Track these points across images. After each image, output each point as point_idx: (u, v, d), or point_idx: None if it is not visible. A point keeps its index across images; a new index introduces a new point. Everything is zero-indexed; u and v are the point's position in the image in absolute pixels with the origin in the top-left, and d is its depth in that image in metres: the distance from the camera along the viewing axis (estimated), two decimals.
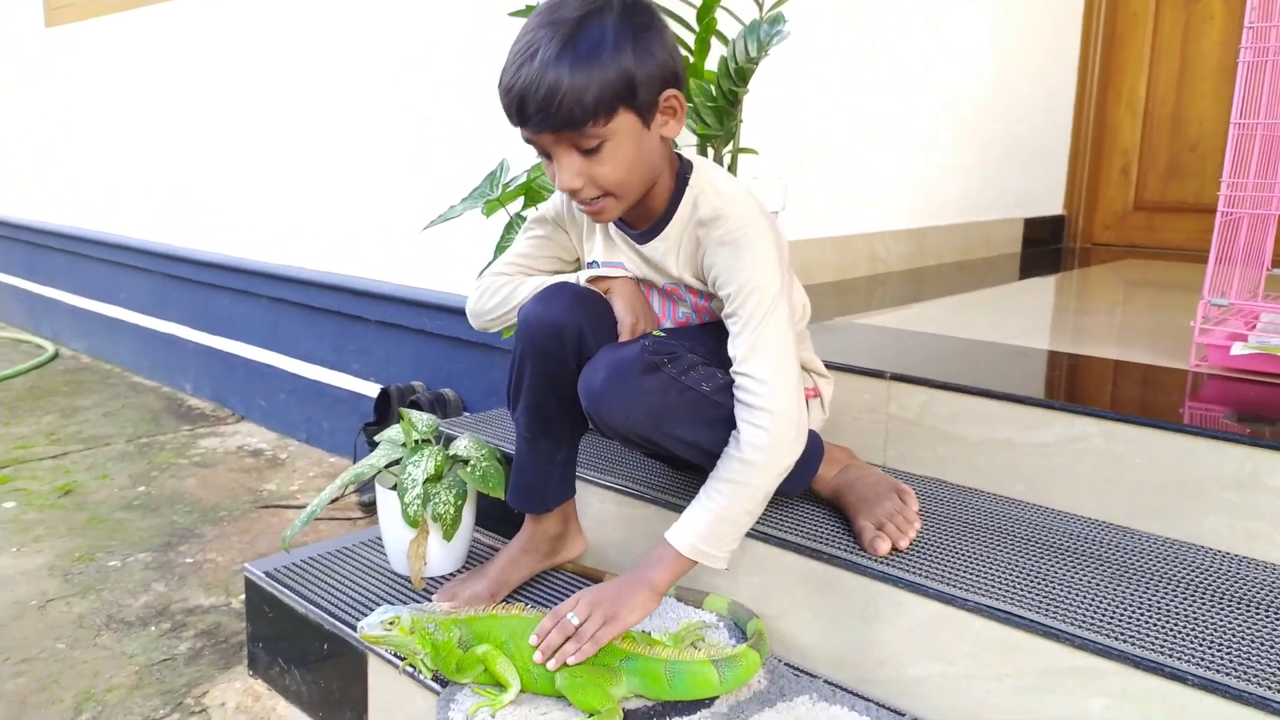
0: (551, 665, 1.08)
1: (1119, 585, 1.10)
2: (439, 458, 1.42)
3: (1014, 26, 3.06)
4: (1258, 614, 1.04)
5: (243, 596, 1.58)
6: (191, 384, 3.27)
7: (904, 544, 1.19)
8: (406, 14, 2.27)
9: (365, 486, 2.19)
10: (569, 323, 1.21)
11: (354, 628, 1.28)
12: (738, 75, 1.64)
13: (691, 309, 1.28)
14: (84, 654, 1.61)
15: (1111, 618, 1.02)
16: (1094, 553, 1.19)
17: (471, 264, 1.99)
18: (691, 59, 1.71)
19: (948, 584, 1.10)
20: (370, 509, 2.17)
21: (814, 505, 1.35)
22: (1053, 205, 3.43)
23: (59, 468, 2.52)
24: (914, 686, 1.11)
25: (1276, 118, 1.54)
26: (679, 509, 1.33)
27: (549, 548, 1.40)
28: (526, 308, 1.25)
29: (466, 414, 2.21)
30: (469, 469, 1.42)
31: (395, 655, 1.20)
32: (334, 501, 1.88)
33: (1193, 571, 1.14)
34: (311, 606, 1.37)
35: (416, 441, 1.45)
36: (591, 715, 1.06)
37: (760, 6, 1.79)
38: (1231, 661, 0.94)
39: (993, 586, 1.09)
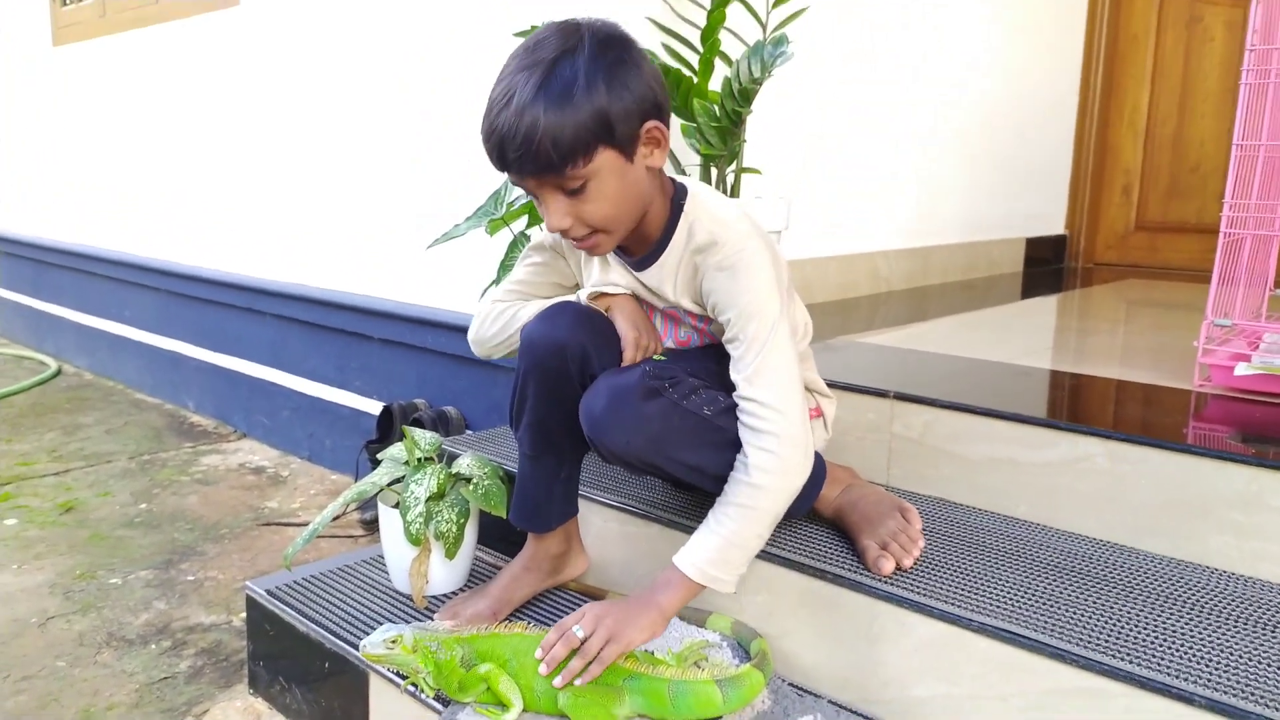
0: (558, 682, 1.07)
1: (1124, 605, 1.10)
2: (441, 476, 1.42)
3: (1016, 48, 3.08)
4: (1264, 635, 1.03)
5: (244, 614, 1.57)
6: (194, 401, 3.27)
7: (908, 563, 1.18)
8: (406, 23, 2.29)
9: (367, 504, 2.18)
10: (572, 341, 1.21)
11: (356, 646, 1.28)
12: (741, 96, 1.65)
13: (692, 330, 1.28)
14: (84, 672, 1.60)
15: (1117, 638, 1.02)
16: (1099, 573, 1.18)
17: (475, 282, 2.00)
18: (695, 79, 1.73)
19: (952, 604, 1.09)
20: (372, 527, 2.17)
21: (817, 525, 1.35)
22: (1054, 225, 3.43)
23: (61, 485, 2.52)
24: (918, 707, 1.11)
25: (1278, 139, 1.55)
26: (682, 528, 1.33)
27: (551, 566, 1.39)
28: (530, 326, 1.25)
29: (469, 432, 2.21)
30: (471, 487, 1.42)
31: (397, 674, 1.20)
32: (336, 519, 1.88)
33: (1198, 592, 1.14)
34: (313, 625, 1.37)
35: (419, 459, 1.45)
36: None
37: (764, 28, 1.80)
38: (1239, 683, 0.93)
39: (997, 606, 1.09)
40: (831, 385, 1.44)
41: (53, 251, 4.05)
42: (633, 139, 1.08)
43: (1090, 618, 1.06)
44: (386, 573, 1.51)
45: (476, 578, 1.51)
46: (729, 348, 1.15)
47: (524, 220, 1.78)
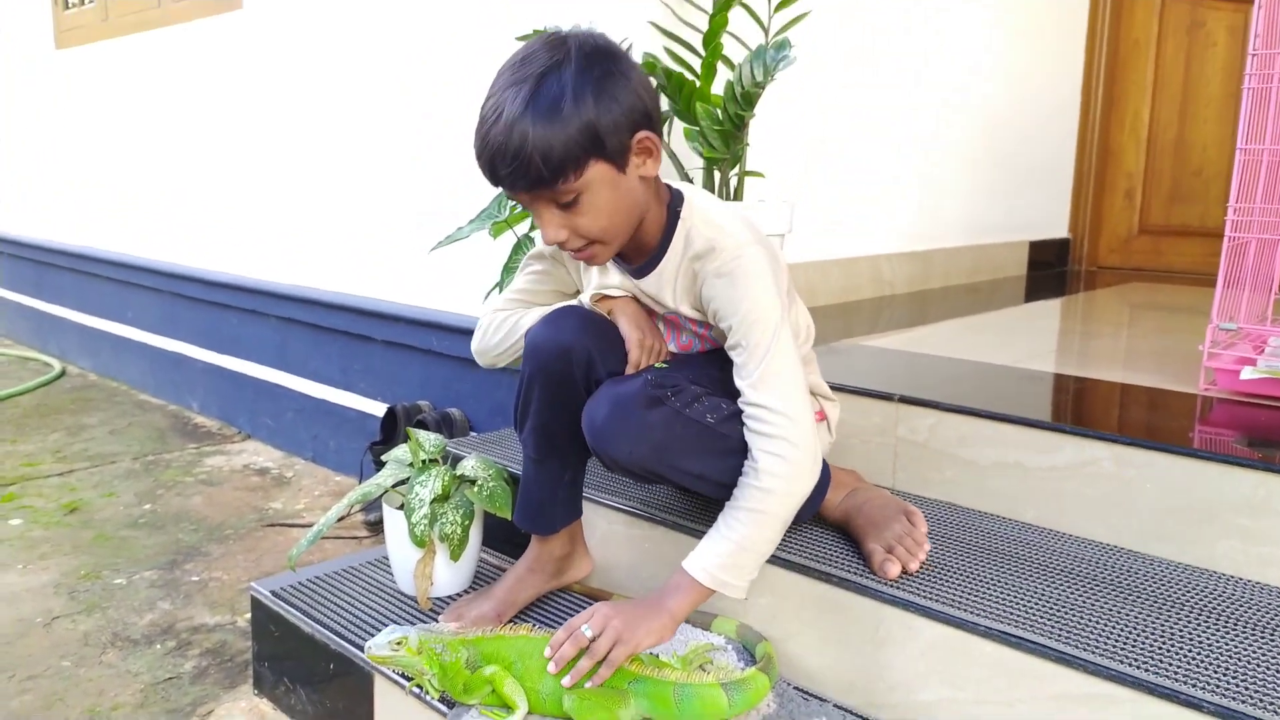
0: (566, 682, 1.07)
1: (1131, 610, 1.10)
2: (446, 478, 1.42)
3: (1018, 52, 3.08)
4: (1272, 639, 1.03)
5: (248, 615, 1.57)
6: (198, 402, 3.27)
7: (914, 567, 1.18)
8: (408, 26, 2.29)
9: (371, 505, 2.19)
10: (577, 345, 1.21)
11: (360, 648, 1.28)
12: (744, 99, 1.65)
13: (693, 335, 1.28)
14: (89, 672, 1.60)
15: (1124, 643, 1.02)
16: (1105, 577, 1.18)
17: (478, 284, 2.00)
18: (698, 83, 1.73)
19: (958, 608, 1.09)
20: (376, 528, 2.17)
21: (823, 528, 1.35)
22: (1058, 228, 3.43)
23: (65, 485, 2.52)
24: (924, 711, 1.11)
25: None
26: (687, 530, 1.33)
27: (555, 568, 1.39)
28: (534, 330, 1.25)
29: (473, 434, 2.21)
30: (476, 489, 1.42)
31: (402, 676, 1.20)
32: (340, 520, 1.88)
33: (1205, 597, 1.14)
34: (318, 626, 1.37)
35: (424, 461, 1.45)
36: None
37: (766, 32, 1.81)
38: (1246, 688, 0.93)
39: (1003, 611, 1.09)
40: (836, 388, 1.44)
41: (55, 253, 4.05)
42: (624, 150, 1.08)
43: (1097, 622, 1.06)
44: (391, 574, 1.51)
45: (481, 579, 1.51)
46: (732, 354, 1.15)
47: (527, 222, 1.78)
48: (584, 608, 1.38)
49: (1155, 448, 1.25)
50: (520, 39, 1.74)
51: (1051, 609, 1.09)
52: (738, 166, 1.79)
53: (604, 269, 1.27)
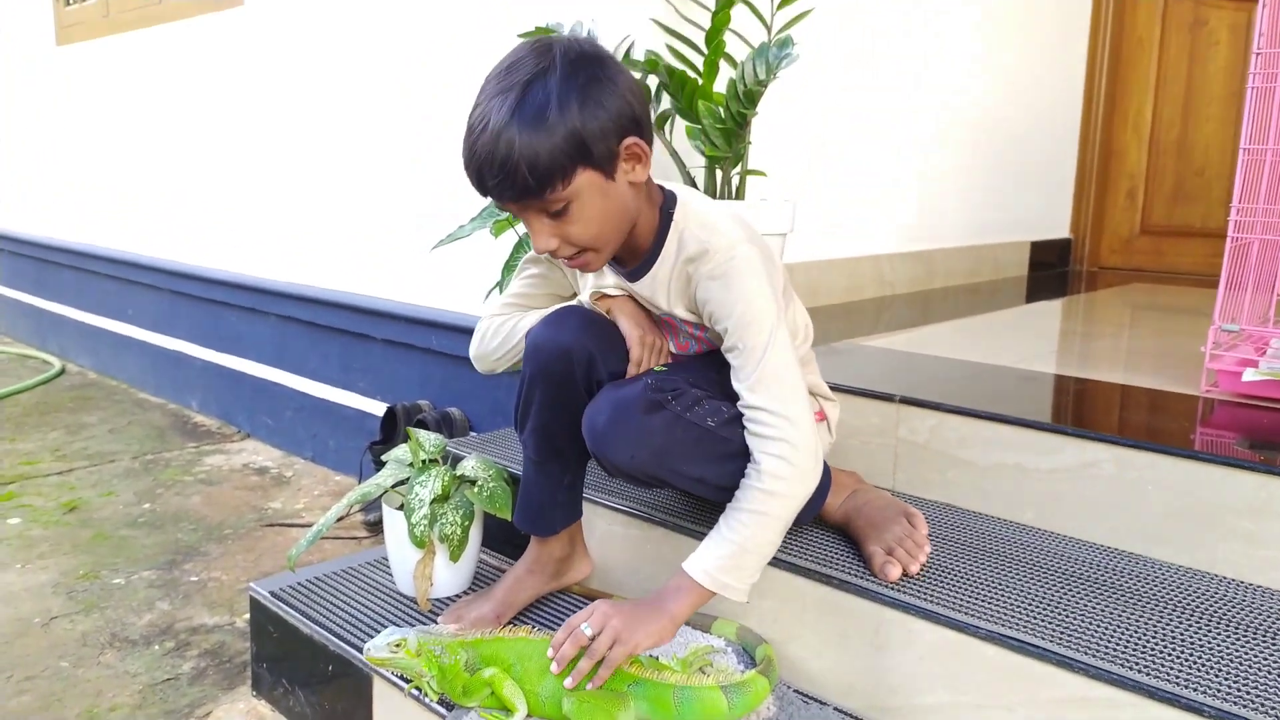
0: (568, 683, 1.07)
1: (1132, 613, 1.09)
2: (446, 478, 1.42)
3: (1019, 52, 3.07)
4: (1274, 644, 1.03)
5: (247, 616, 1.57)
6: (198, 401, 3.27)
7: (914, 569, 1.18)
8: (408, 28, 2.29)
9: (371, 506, 2.18)
10: (578, 346, 1.20)
11: (359, 649, 1.28)
12: (746, 98, 1.64)
13: (690, 337, 1.27)
14: (87, 672, 1.60)
15: (1125, 647, 1.01)
16: (1106, 580, 1.18)
17: (478, 284, 2.00)
18: (700, 81, 1.72)
19: (959, 611, 1.09)
20: (375, 528, 2.16)
21: (823, 530, 1.34)
22: (1059, 229, 3.43)
23: (64, 484, 2.52)
24: (925, 715, 1.10)
25: None
26: (687, 531, 1.33)
27: (555, 569, 1.39)
28: (535, 331, 1.24)
29: (473, 434, 2.21)
30: (476, 489, 1.41)
31: (401, 678, 1.20)
32: (340, 520, 1.87)
33: (1207, 600, 1.13)
34: (316, 627, 1.36)
35: (424, 461, 1.45)
36: None
37: (769, 30, 1.80)
38: (1248, 692, 0.93)
39: (1004, 614, 1.08)
40: (836, 389, 1.44)
41: (55, 250, 4.05)
42: (611, 157, 1.07)
43: (1098, 626, 1.06)
44: (390, 575, 1.50)
45: (481, 580, 1.50)
46: (729, 357, 1.14)
47: None
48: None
49: (1157, 450, 1.25)
50: (522, 35, 1.74)
51: (1052, 612, 1.09)
52: (740, 165, 1.78)
53: (599, 273, 1.26)
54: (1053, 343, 2.11)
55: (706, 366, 1.23)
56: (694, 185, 1.82)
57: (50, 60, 3.96)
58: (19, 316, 4.50)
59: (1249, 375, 1.46)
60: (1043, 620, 1.07)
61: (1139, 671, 0.96)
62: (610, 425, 1.15)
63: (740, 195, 1.80)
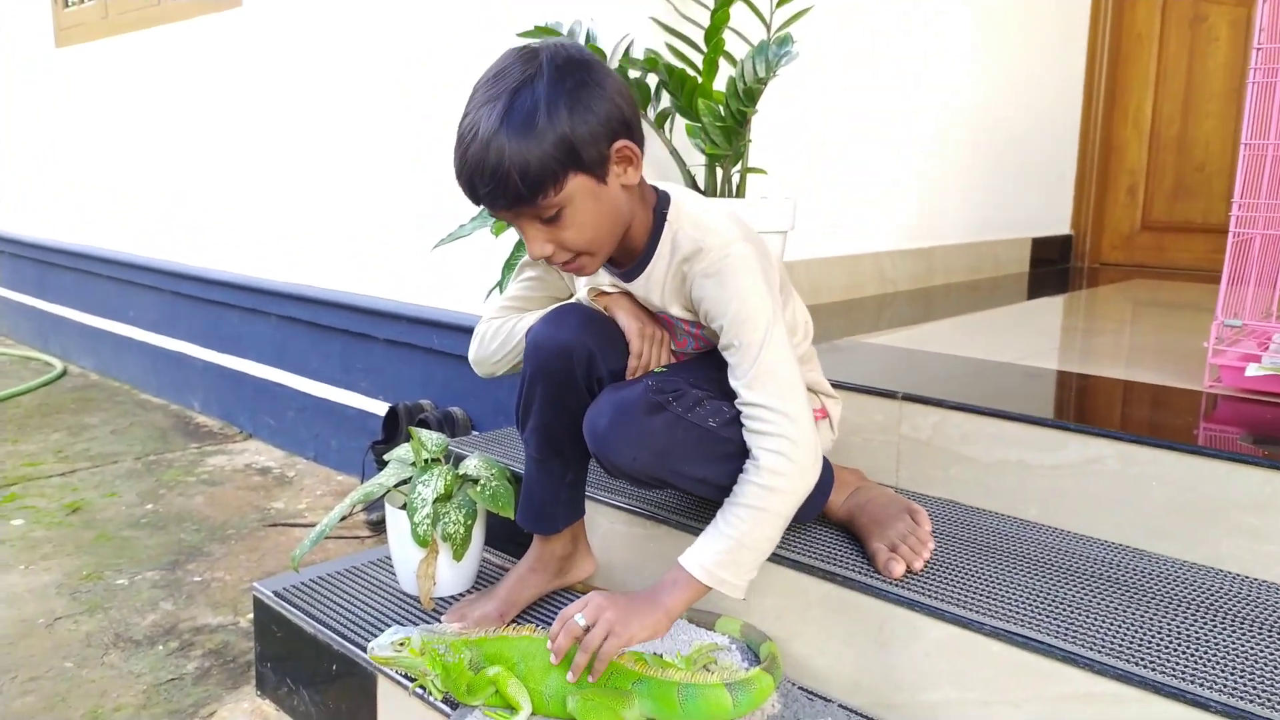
0: (570, 677, 1.07)
1: (1137, 609, 1.09)
2: (449, 477, 1.42)
3: (1019, 49, 3.07)
4: (1279, 638, 1.03)
5: (251, 616, 1.57)
6: (200, 402, 3.27)
7: (918, 565, 1.18)
8: (408, 28, 2.29)
9: (373, 505, 2.18)
10: (578, 343, 1.20)
11: (363, 648, 1.28)
12: (746, 95, 1.64)
13: (687, 335, 1.27)
14: (91, 673, 1.60)
15: (1130, 642, 1.01)
16: (1110, 576, 1.18)
17: (479, 283, 2.00)
18: (700, 79, 1.72)
19: (964, 607, 1.09)
20: (378, 528, 2.17)
21: (827, 527, 1.34)
22: (1060, 225, 3.43)
23: (67, 485, 2.52)
24: (930, 712, 1.10)
25: None
26: (691, 530, 1.33)
27: (558, 568, 1.39)
28: (535, 329, 1.24)
29: (475, 433, 2.21)
30: (479, 488, 1.41)
31: (405, 677, 1.20)
32: (342, 520, 1.88)
33: (1211, 595, 1.13)
34: (320, 626, 1.36)
35: (426, 461, 1.45)
36: None
37: (768, 27, 1.80)
38: (1254, 687, 0.92)
39: (1009, 610, 1.08)
40: (838, 386, 1.44)
41: (56, 252, 4.05)
42: (602, 161, 1.07)
43: (1103, 621, 1.06)
44: (393, 574, 1.50)
45: (484, 579, 1.50)
46: (725, 355, 1.14)
47: None
48: None
49: (1160, 445, 1.25)
50: (522, 35, 1.74)
51: (1057, 608, 1.09)
52: (740, 163, 1.78)
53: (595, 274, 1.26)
54: (1054, 339, 2.11)
55: (707, 366, 1.23)
56: (694, 183, 1.82)
57: (50, 62, 3.96)
58: (20, 318, 4.50)
59: (1252, 370, 1.46)
60: (1048, 616, 1.07)
61: (1144, 667, 0.96)
62: (611, 427, 1.15)
63: (740, 193, 1.80)
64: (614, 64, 1.80)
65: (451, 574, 1.45)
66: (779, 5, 1.79)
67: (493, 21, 2.07)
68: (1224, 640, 1.02)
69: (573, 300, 1.29)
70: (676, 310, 1.21)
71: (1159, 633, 1.03)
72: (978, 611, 1.08)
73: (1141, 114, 3.31)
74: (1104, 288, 2.91)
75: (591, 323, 1.23)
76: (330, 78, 2.57)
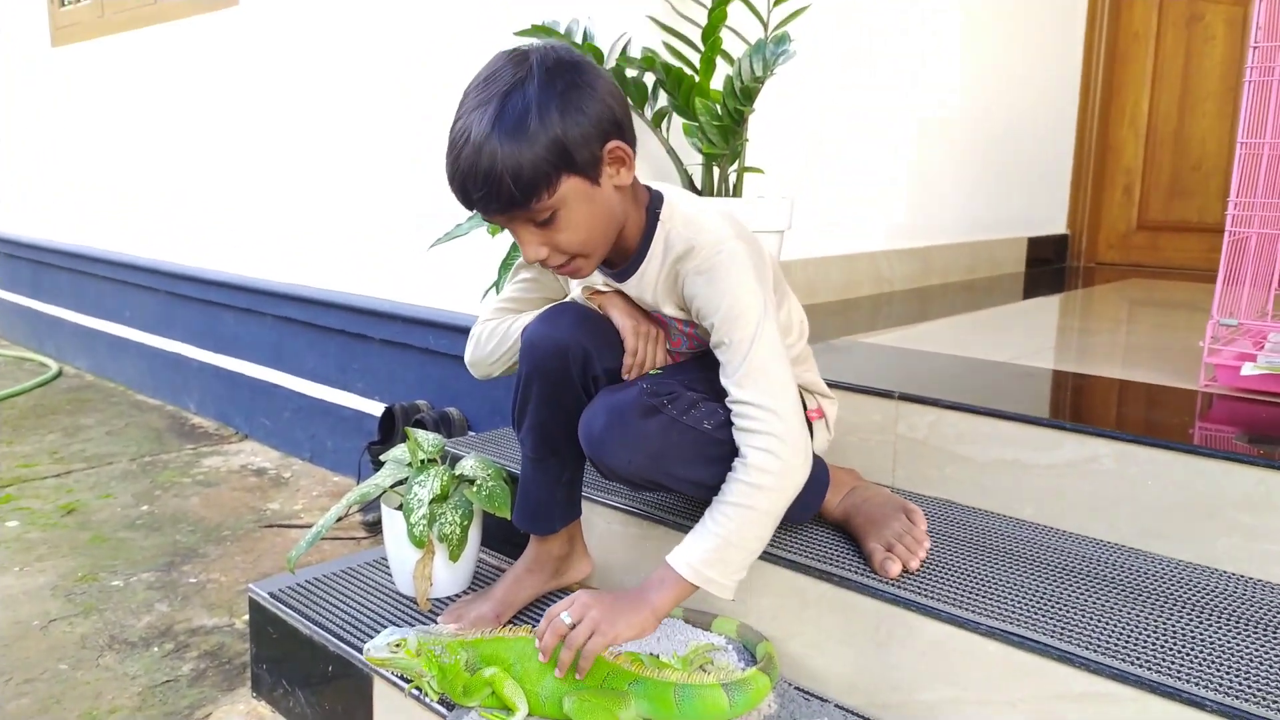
0: (557, 674, 1.07)
1: (1132, 608, 1.09)
2: (445, 478, 1.41)
3: (1016, 48, 3.07)
4: (1275, 637, 1.03)
5: (246, 617, 1.57)
6: (195, 402, 3.26)
7: (914, 565, 1.18)
8: (408, 28, 2.28)
9: (370, 506, 2.18)
10: (574, 342, 1.20)
11: (359, 650, 1.28)
12: (743, 94, 1.64)
13: (680, 334, 1.27)
14: (86, 675, 1.59)
15: (1126, 641, 1.01)
16: (1106, 575, 1.18)
17: (476, 283, 2.00)
18: (697, 78, 1.72)
19: (960, 606, 1.09)
20: (374, 528, 2.16)
21: (823, 527, 1.34)
22: (1056, 224, 3.43)
23: (62, 486, 2.51)
24: (927, 711, 1.10)
25: None
26: (687, 530, 1.32)
27: (554, 568, 1.39)
28: (531, 327, 1.24)
29: (471, 433, 2.20)
30: (475, 489, 1.41)
31: (401, 678, 1.19)
32: (338, 521, 1.87)
33: (1207, 594, 1.13)
34: (316, 628, 1.36)
35: (422, 461, 1.45)
36: None
37: (765, 26, 1.80)
38: (1249, 686, 0.92)
39: (1005, 609, 1.08)
40: (835, 386, 1.44)
41: (52, 252, 4.04)
42: (595, 162, 1.07)
43: (1099, 621, 1.06)
44: (389, 575, 1.50)
45: (480, 580, 1.50)
46: (717, 353, 1.14)
47: None
48: None
49: (1155, 444, 1.25)
50: (520, 34, 1.74)
51: (1053, 607, 1.09)
52: (737, 162, 1.78)
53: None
54: (1050, 338, 2.11)
55: (700, 367, 1.23)
56: (691, 182, 1.82)
57: (46, 62, 3.95)
58: (16, 319, 4.49)
59: (1247, 369, 1.46)
60: (1044, 615, 1.07)
61: (1140, 666, 0.96)
62: (606, 430, 1.15)
63: (738, 192, 1.80)
64: (611, 63, 1.80)
65: (448, 575, 1.44)
66: (776, 4, 1.79)
67: (492, 21, 2.06)
68: (1219, 639, 1.02)
69: (567, 301, 1.29)
70: (670, 309, 1.21)
71: (1155, 632, 1.03)
72: (974, 611, 1.08)
73: (1138, 113, 3.32)
74: (1100, 287, 2.91)
75: (587, 321, 1.22)
76: (329, 77, 2.56)
